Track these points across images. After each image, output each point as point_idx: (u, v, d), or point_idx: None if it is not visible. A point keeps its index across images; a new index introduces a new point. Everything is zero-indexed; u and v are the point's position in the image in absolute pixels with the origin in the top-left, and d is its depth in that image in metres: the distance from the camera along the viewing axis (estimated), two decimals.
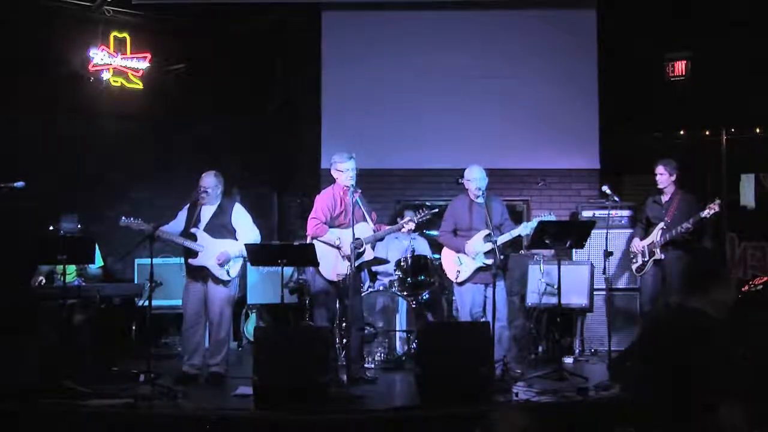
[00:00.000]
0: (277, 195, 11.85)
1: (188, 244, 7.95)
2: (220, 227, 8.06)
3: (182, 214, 8.14)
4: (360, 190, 7.91)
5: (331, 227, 7.87)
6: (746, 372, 6.53)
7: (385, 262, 9.56)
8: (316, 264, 7.67)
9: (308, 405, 6.50)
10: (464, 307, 8.19)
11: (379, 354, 8.78)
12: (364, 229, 7.84)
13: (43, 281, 8.97)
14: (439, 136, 11.23)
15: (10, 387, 6.73)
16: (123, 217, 7.92)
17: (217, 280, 7.97)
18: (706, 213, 8.36)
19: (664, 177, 8.83)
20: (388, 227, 8.10)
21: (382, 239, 8.13)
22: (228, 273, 7.99)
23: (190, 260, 7.97)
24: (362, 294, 8.08)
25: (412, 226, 8.01)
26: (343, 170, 7.83)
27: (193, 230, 7.98)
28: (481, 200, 8.07)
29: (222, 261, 7.91)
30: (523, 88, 11.32)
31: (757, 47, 10.67)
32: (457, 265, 8.15)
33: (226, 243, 7.99)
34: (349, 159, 7.83)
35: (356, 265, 7.76)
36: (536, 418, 4.45)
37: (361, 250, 7.83)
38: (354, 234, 7.58)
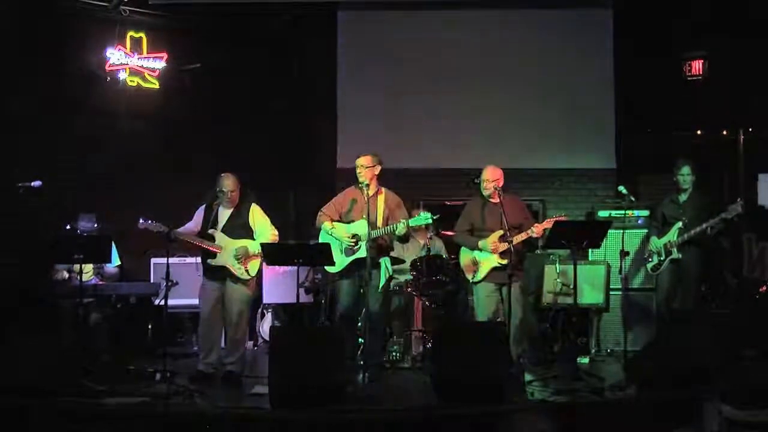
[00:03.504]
0: (293, 194, 11.87)
1: (206, 244, 7.98)
2: (238, 228, 8.09)
3: (198, 215, 8.18)
4: (382, 190, 8.01)
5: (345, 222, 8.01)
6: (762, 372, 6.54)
7: (401, 261, 9.57)
8: (332, 263, 7.71)
9: (324, 404, 6.51)
10: (480, 306, 8.18)
11: (394, 354, 8.77)
12: (361, 227, 7.81)
13: (66, 275, 8.99)
14: (456, 135, 11.23)
15: (27, 385, 6.76)
16: (141, 219, 7.93)
17: (236, 279, 7.98)
18: (728, 214, 8.32)
19: (690, 177, 8.80)
20: (381, 228, 8.03)
21: (384, 240, 8.06)
22: (247, 272, 8.01)
23: (209, 260, 7.97)
24: (378, 291, 8.04)
25: (404, 229, 7.94)
26: (355, 166, 7.97)
27: (210, 231, 8.01)
28: (497, 200, 8.07)
29: (241, 255, 7.91)
30: (540, 87, 11.31)
31: None
32: (473, 264, 8.15)
33: (244, 242, 8.02)
34: (359, 156, 7.99)
35: (350, 261, 7.86)
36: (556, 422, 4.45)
37: (356, 247, 7.85)
38: (369, 230, 7.60)
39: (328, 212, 8.05)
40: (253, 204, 8.28)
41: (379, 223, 7.87)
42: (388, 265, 8.06)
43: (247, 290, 8.10)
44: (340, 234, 7.89)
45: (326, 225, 8.01)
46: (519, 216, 8.08)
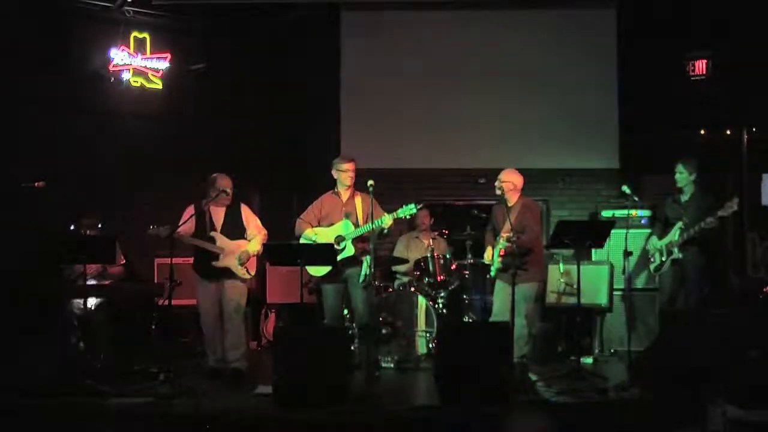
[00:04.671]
0: (296, 195, 11.86)
1: (210, 247, 8.11)
2: (234, 228, 8.28)
3: (190, 217, 8.25)
4: (357, 193, 8.28)
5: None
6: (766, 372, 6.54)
7: (405, 261, 9.58)
8: (333, 263, 7.77)
9: (328, 404, 6.52)
10: (495, 299, 8.35)
11: (398, 353, 8.78)
12: (345, 227, 8.08)
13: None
14: (459, 135, 11.21)
15: (31, 385, 6.78)
16: (151, 226, 8.01)
17: (236, 278, 8.15)
18: (724, 212, 8.31)
19: (683, 176, 8.79)
20: (367, 224, 8.09)
21: (370, 236, 8.13)
22: (248, 272, 8.18)
23: (213, 263, 8.09)
24: (365, 289, 8.11)
25: (390, 222, 7.99)
26: (343, 170, 8.31)
27: (212, 234, 8.14)
28: (511, 203, 8.24)
29: (244, 260, 8.10)
30: (543, 87, 11.29)
31: None
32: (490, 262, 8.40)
33: (242, 243, 8.19)
34: (346, 162, 8.36)
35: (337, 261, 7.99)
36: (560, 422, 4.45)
37: (342, 246, 8.03)
38: (375, 229, 7.82)
39: (307, 219, 8.34)
40: (242, 204, 8.48)
41: (360, 222, 8.09)
42: (368, 263, 8.12)
43: (245, 286, 8.32)
44: (324, 238, 8.09)
45: (308, 232, 8.22)
46: (524, 222, 8.10)
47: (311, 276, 8.49)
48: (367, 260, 8.06)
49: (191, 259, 9.22)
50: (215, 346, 8.25)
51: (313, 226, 8.25)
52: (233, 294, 8.19)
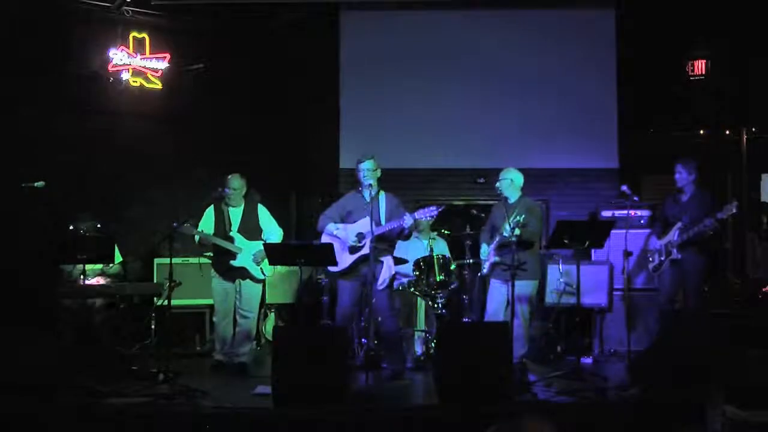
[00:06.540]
0: (295, 195, 11.88)
1: (229, 246, 8.35)
2: (252, 228, 8.52)
3: (208, 216, 8.52)
4: (381, 191, 8.17)
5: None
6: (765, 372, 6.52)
7: (404, 261, 9.57)
8: (334, 263, 7.77)
9: (326, 404, 6.51)
10: (489, 299, 8.38)
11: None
12: (365, 225, 7.97)
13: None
14: (458, 136, 11.23)
15: (29, 385, 6.77)
16: (185, 224, 8.19)
17: (253, 278, 8.45)
18: (723, 214, 8.30)
19: (682, 176, 8.78)
20: (388, 223, 8.08)
21: (389, 236, 8.13)
22: (262, 272, 8.46)
23: (231, 262, 8.35)
24: (382, 288, 8.11)
25: (410, 221, 8.00)
26: (362, 170, 8.13)
27: (231, 234, 8.39)
28: (509, 201, 8.29)
29: (259, 260, 8.33)
30: (543, 87, 11.31)
31: None
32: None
33: (258, 244, 8.38)
34: (366, 161, 8.16)
35: (355, 259, 8.00)
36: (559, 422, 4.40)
37: (361, 244, 8.00)
38: (373, 227, 7.74)
39: (331, 215, 8.26)
40: (259, 204, 8.70)
41: (384, 221, 8.01)
42: (391, 264, 8.13)
43: (260, 286, 8.62)
44: (346, 234, 8.05)
45: (331, 226, 8.12)
46: (526, 218, 8.10)
47: (323, 271, 8.53)
48: (386, 261, 8.09)
49: (190, 259, 9.29)
50: (223, 342, 8.52)
51: (335, 222, 8.24)
52: (252, 295, 8.53)
